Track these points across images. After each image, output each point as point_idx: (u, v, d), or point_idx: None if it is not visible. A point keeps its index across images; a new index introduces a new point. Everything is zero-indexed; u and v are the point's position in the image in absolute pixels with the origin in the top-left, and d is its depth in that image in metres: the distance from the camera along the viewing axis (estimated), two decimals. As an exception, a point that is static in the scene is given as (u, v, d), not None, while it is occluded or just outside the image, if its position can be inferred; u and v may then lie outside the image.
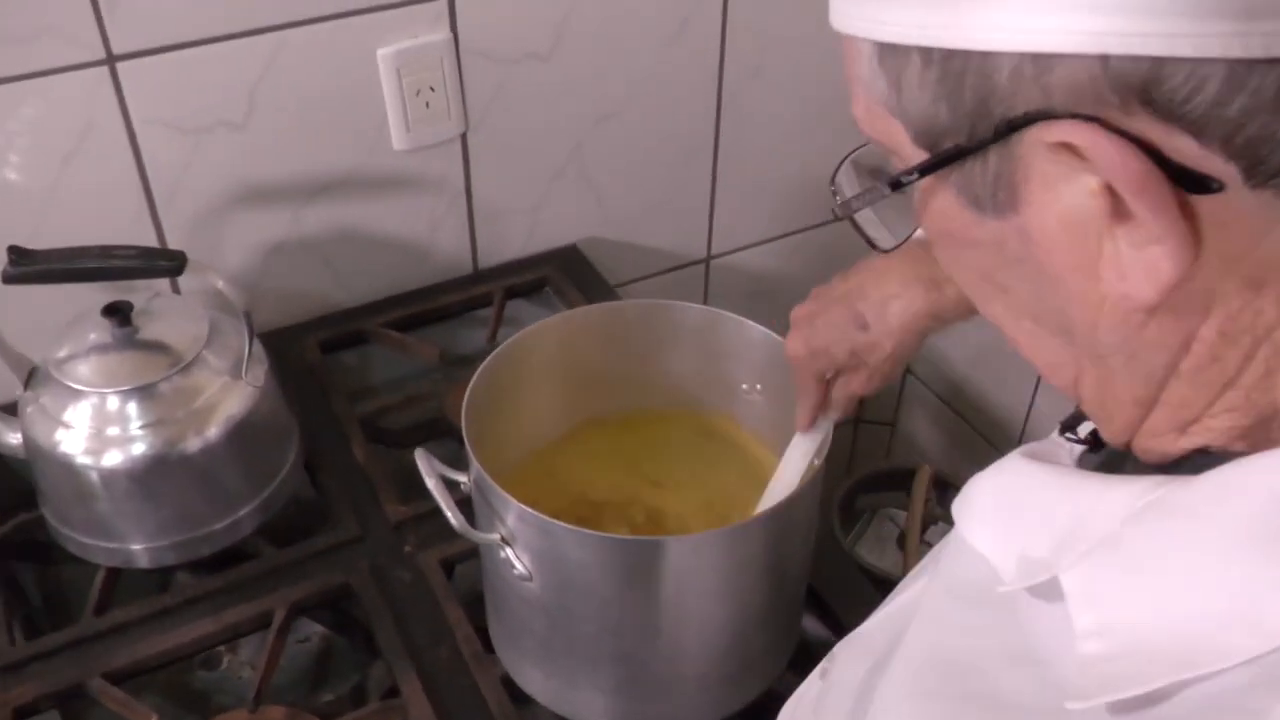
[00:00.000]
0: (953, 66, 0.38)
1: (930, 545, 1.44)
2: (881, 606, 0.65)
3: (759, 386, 0.96)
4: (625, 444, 0.99)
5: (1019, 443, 1.65)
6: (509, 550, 0.81)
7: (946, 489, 1.49)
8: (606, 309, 0.96)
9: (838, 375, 0.80)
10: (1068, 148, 0.37)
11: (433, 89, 1.20)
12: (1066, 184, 0.38)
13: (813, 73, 1.42)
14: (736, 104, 1.39)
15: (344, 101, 1.17)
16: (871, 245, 0.51)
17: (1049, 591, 0.44)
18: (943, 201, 0.42)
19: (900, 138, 0.42)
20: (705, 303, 1.54)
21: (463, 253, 1.33)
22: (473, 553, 1.01)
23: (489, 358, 0.89)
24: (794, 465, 0.83)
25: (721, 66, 1.35)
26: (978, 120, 0.38)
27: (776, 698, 0.89)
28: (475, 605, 0.98)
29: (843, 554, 1.39)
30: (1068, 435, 0.54)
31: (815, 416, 0.82)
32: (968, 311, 0.73)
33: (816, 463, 0.83)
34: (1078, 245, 0.38)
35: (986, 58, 0.37)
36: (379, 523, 1.06)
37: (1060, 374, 0.45)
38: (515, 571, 0.81)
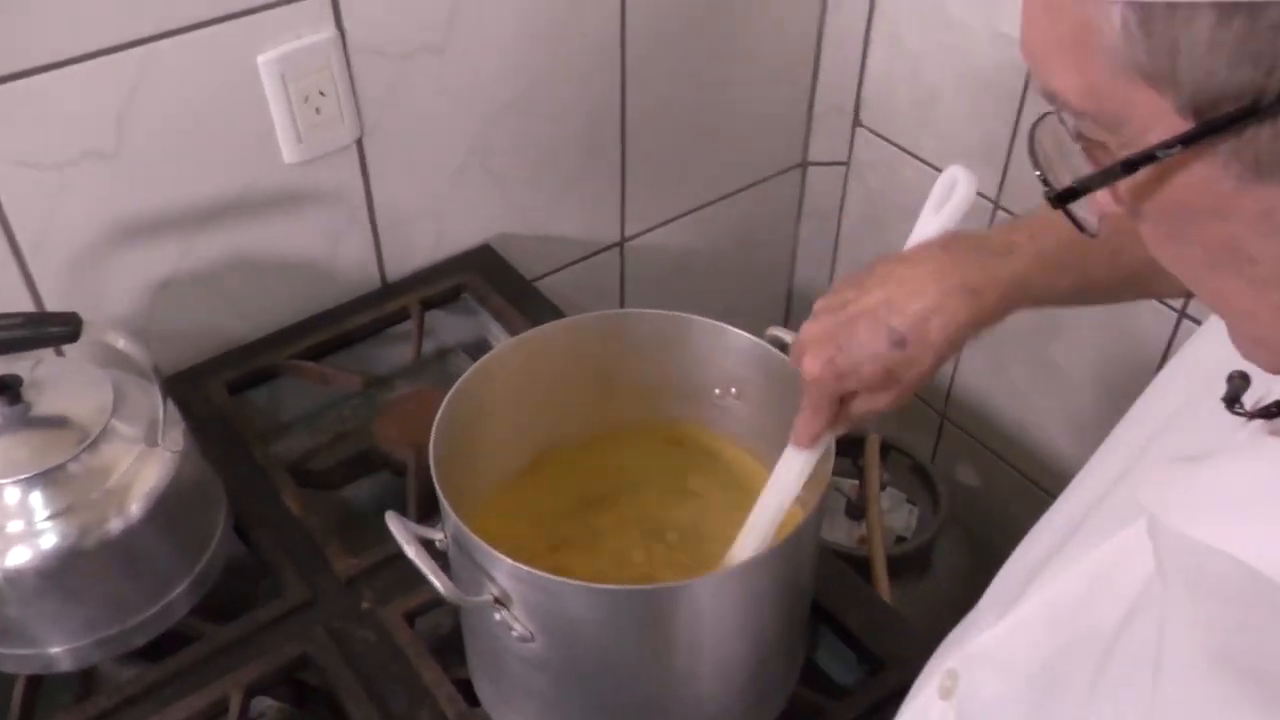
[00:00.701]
0: (1267, 19, 0.36)
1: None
2: (992, 616, 0.64)
3: (734, 390, 0.91)
4: (595, 466, 0.94)
5: (948, 399, 1.63)
6: (505, 612, 0.74)
7: (888, 453, 1.47)
8: (564, 326, 0.90)
9: (857, 393, 0.74)
10: None
11: (322, 93, 1.09)
12: None
13: (717, 40, 1.36)
14: (641, 78, 1.32)
15: (225, 116, 1.06)
16: (1081, 229, 0.47)
17: None
18: (1198, 173, 0.40)
19: (1145, 109, 0.40)
20: (622, 286, 1.49)
21: (369, 267, 1.23)
22: (437, 602, 0.92)
23: (447, 397, 0.82)
24: (789, 483, 0.77)
25: (623, 41, 1.28)
26: None
27: (793, 714, 0.85)
28: (448, 654, 0.91)
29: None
30: (1237, 410, 0.51)
31: (821, 435, 0.75)
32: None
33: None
34: None
35: None
36: (329, 580, 0.97)
37: None
38: (514, 633, 0.74)
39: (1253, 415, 0.51)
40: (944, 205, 0.74)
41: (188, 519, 0.92)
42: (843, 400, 0.73)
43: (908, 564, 1.36)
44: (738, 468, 0.92)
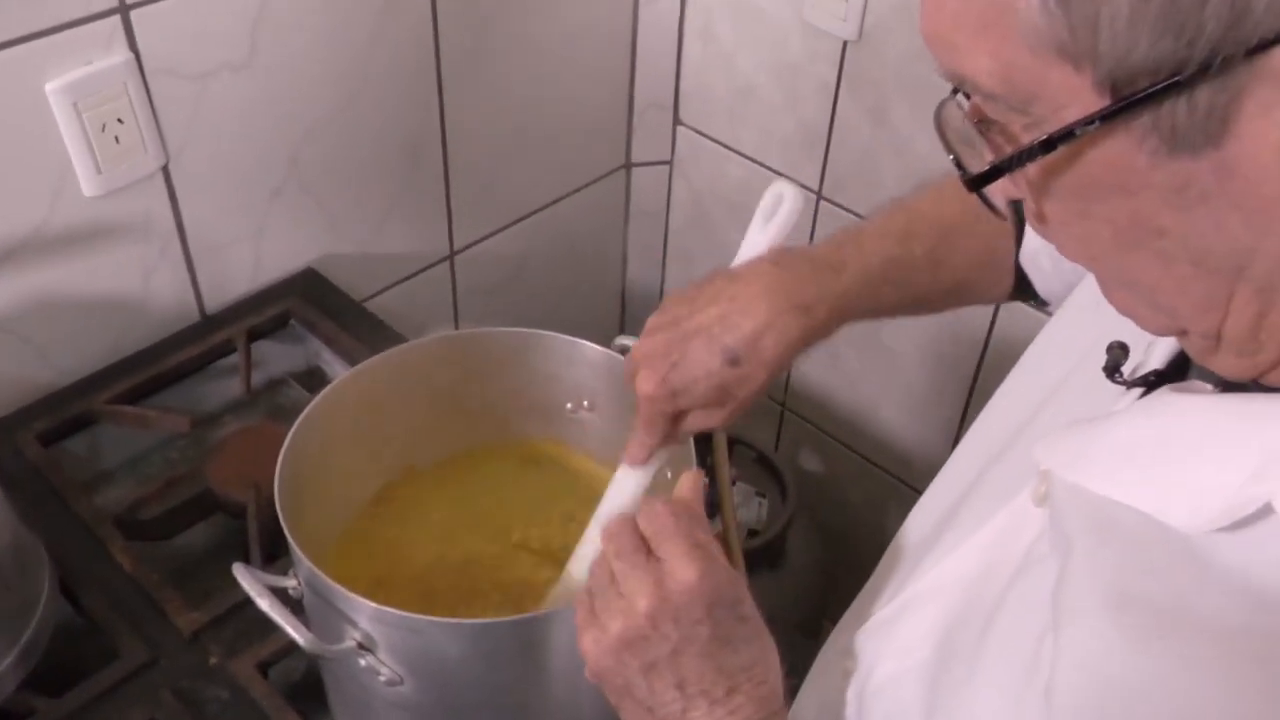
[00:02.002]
0: None
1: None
2: (887, 593, 0.65)
3: (586, 404, 0.90)
4: (451, 492, 0.91)
5: (787, 389, 1.66)
6: (370, 657, 0.71)
7: (733, 446, 1.47)
8: (407, 350, 0.87)
9: (690, 410, 0.73)
10: None
11: (120, 120, 1.02)
12: None
13: (533, 44, 1.34)
14: (459, 86, 1.29)
15: (15, 150, 0.98)
16: (994, 211, 0.47)
17: (1246, 522, 0.43)
18: (1112, 149, 0.40)
19: (1059, 87, 0.40)
20: (455, 300, 1.46)
21: (185, 299, 1.17)
22: (291, 647, 0.88)
23: (290, 434, 0.78)
24: (623, 502, 0.76)
25: (437, 49, 1.24)
26: (1215, 48, 0.37)
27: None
28: (307, 701, 0.88)
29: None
30: (1118, 378, 0.53)
31: (652, 454, 0.74)
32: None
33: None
34: None
35: None
36: (170, 637, 0.91)
37: (1207, 314, 0.44)
38: (381, 678, 0.71)
39: (1132, 384, 0.53)
40: (770, 220, 0.75)
41: (8, 587, 0.85)
42: (676, 417, 0.73)
43: (763, 556, 1.37)
44: (599, 482, 0.90)
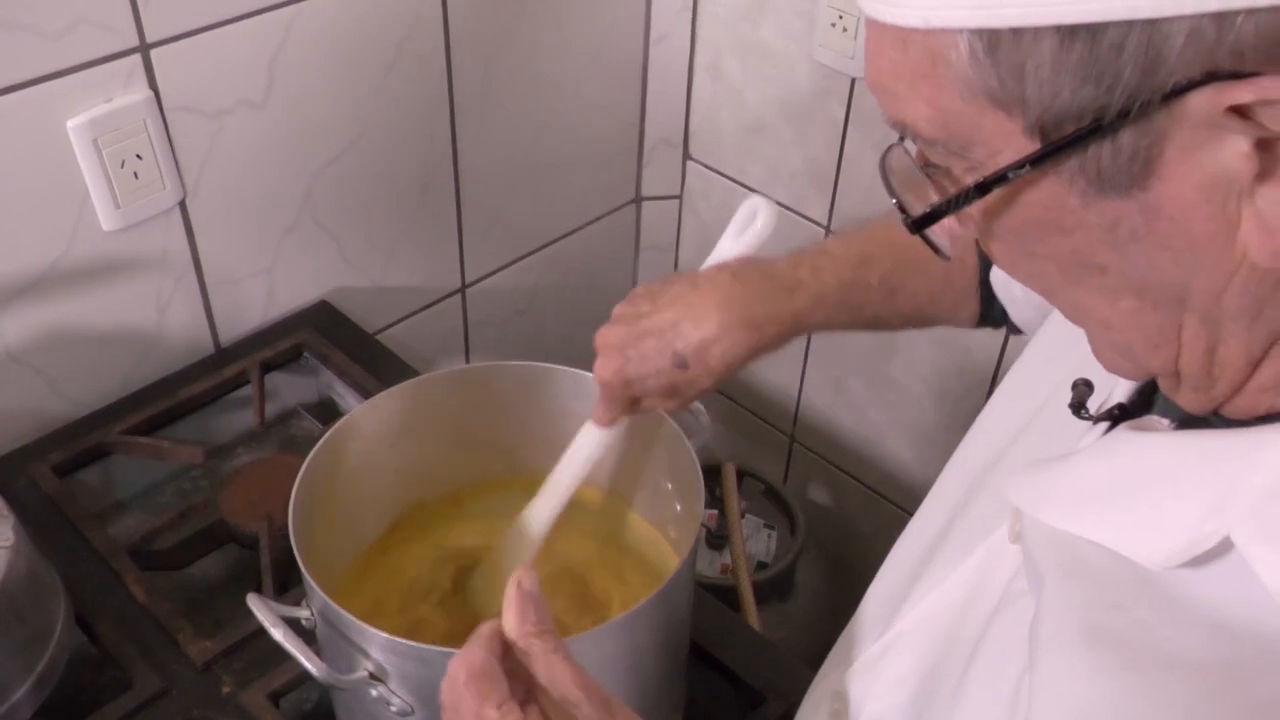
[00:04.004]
0: (1107, 40, 0.37)
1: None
2: (873, 632, 0.66)
3: None
4: (460, 525, 0.93)
5: (796, 422, 1.67)
6: (382, 687, 0.72)
7: (742, 479, 1.48)
8: (421, 384, 0.88)
9: (644, 396, 0.78)
10: (1234, 110, 0.37)
11: (139, 156, 1.04)
12: (1211, 150, 0.38)
13: (545, 78, 1.36)
14: (471, 121, 1.31)
15: (36, 186, 1.00)
16: (937, 252, 0.48)
17: (1208, 557, 0.43)
18: (1046, 190, 0.41)
19: (994, 132, 0.41)
20: (466, 333, 1.47)
21: (200, 332, 1.19)
22: (304, 677, 0.89)
23: (304, 465, 0.80)
24: (588, 452, 0.82)
25: (450, 85, 1.26)
26: (1131, 94, 0.38)
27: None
28: None
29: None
30: (1084, 414, 0.54)
31: (614, 419, 0.80)
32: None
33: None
34: (1217, 212, 0.39)
35: (1154, 25, 0.36)
36: (184, 667, 0.92)
37: (1160, 349, 0.45)
38: (393, 708, 0.72)
39: (1097, 419, 0.54)
40: (743, 234, 0.77)
41: (24, 617, 0.86)
42: (632, 399, 0.78)
43: (772, 589, 1.38)
44: (610, 516, 0.92)
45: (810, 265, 0.76)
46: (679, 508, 0.86)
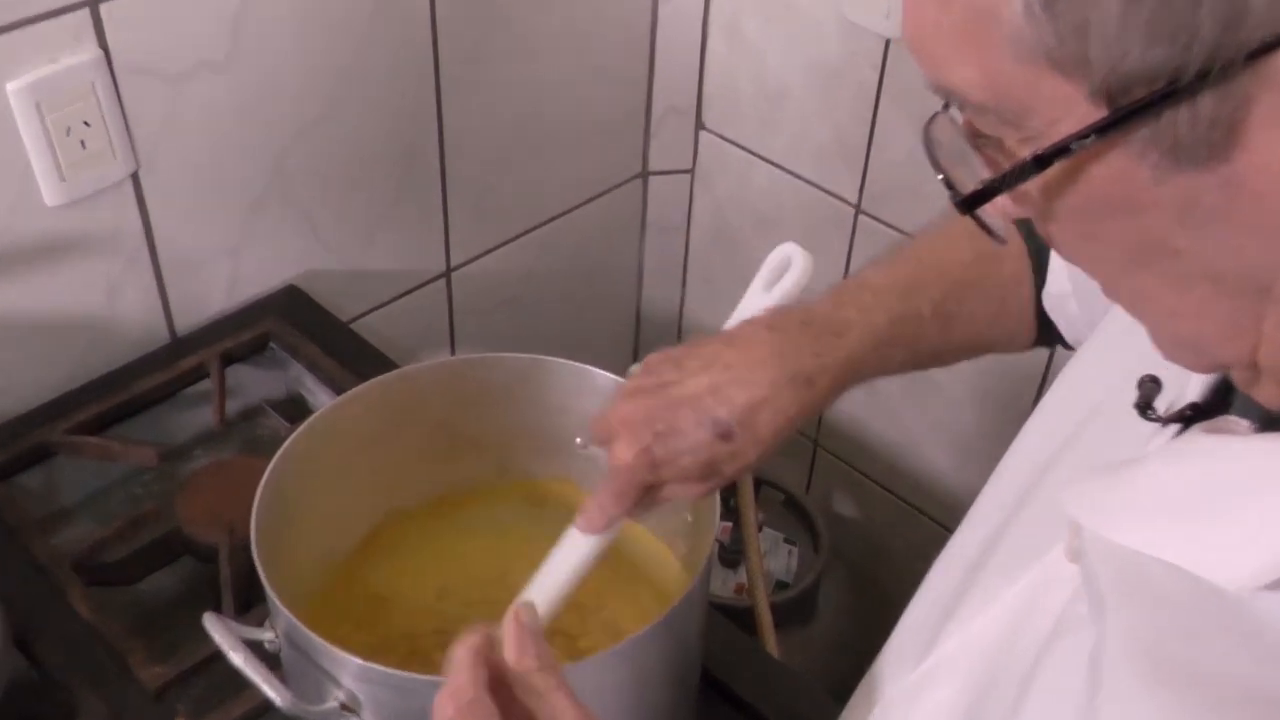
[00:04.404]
0: None
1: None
2: (908, 662, 0.65)
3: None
4: (444, 536, 0.93)
5: (820, 425, 1.66)
6: (355, 718, 0.73)
7: (759, 488, 1.48)
8: (400, 378, 0.88)
9: (668, 482, 0.74)
10: None
11: (87, 124, 1.04)
12: None
13: (541, 39, 1.35)
14: (459, 88, 1.30)
15: (-30, 156, 1.00)
16: (991, 235, 0.47)
17: None
18: (1113, 164, 0.41)
19: (1053, 98, 0.40)
20: (451, 322, 1.47)
21: (154, 319, 1.19)
22: (267, 707, 0.89)
23: (269, 469, 0.80)
24: (572, 572, 0.72)
25: (435, 48, 1.26)
26: (1211, 53, 0.37)
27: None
28: None
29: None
30: (1151, 415, 0.53)
31: (614, 522, 0.72)
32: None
33: None
34: None
35: None
36: (133, 694, 0.92)
37: (1235, 341, 0.44)
38: (367, 742, 0.71)
39: (1168, 420, 0.53)
40: (776, 283, 0.76)
41: (-45, 639, 0.86)
42: (650, 487, 0.72)
43: (792, 611, 1.38)
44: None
45: (854, 303, 0.74)
46: (690, 519, 0.86)
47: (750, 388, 0.70)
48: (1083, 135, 0.40)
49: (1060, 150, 0.41)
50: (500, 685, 0.55)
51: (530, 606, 0.54)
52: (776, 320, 0.73)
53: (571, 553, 0.72)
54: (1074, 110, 0.40)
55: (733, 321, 0.76)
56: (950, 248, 0.77)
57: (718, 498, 0.78)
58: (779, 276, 0.76)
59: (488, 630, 0.57)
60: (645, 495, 0.73)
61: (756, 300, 0.77)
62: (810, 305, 0.75)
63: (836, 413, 1.57)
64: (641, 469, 0.71)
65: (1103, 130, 0.40)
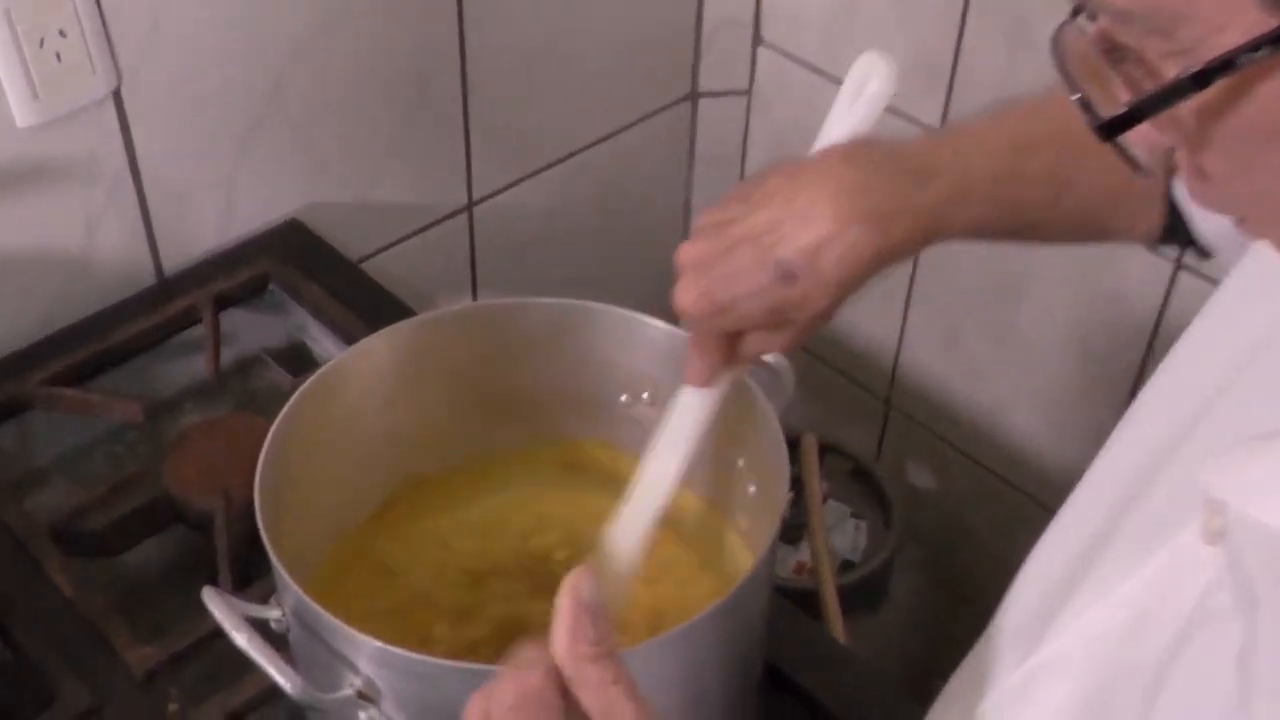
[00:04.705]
0: None
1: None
2: (1013, 654, 0.66)
3: (645, 396, 0.91)
4: (469, 504, 0.94)
5: (893, 383, 1.66)
6: (372, 710, 0.73)
7: (824, 454, 1.48)
8: (422, 325, 0.89)
9: (744, 330, 0.76)
10: None
11: (63, 33, 1.05)
12: None
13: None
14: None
15: (-68, 69, 1.01)
16: (1135, 167, 0.47)
17: None
18: None
19: (1210, 4, 0.39)
20: (473, 263, 1.47)
21: (139, 257, 1.20)
22: (268, 694, 0.90)
23: (274, 427, 0.81)
24: (688, 429, 0.78)
25: (458, -54, 1.26)
26: None
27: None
28: None
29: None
30: None
31: (715, 373, 0.77)
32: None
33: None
34: None
35: None
36: (119, 679, 0.93)
37: None
38: (385, 735, 0.72)
39: None
40: (857, 99, 0.76)
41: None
42: (731, 337, 0.75)
43: (860, 594, 1.38)
44: None
45: (951, 147, 0.74)
46: (753, 490, 0.86)
47: (814, 224, 0.70)
48: (1252, 47, 0.39)
49: (1224, 65, 0.40)
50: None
51: (590, 578, 0.54)
52: (854, 152, 0.73)
53: (687, 409, 0.78)
54: (1241, 18, 0.40)
55: (816, 148, 0.76)
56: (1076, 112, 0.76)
57: (787, 467, 0.78)
58: (861, 92, 0.75)
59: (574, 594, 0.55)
60: (729, 346, 0.76)
61: (839, 121, 0.76)
62: (900, 143, 0.74)
63: (913, 369, 1.57)
64: (703, 315, 0.73)
65: (1276, 41, 0.39)
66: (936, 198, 0.71)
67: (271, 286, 1.22)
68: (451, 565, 0.90)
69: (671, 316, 0.86)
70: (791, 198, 0.71)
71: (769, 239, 0.71)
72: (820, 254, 0.70)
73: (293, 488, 0.81)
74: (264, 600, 0.79)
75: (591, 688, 0.52)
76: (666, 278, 1.67)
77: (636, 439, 0.90)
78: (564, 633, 0.52)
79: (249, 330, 1.22)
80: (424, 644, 0.84)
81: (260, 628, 0.74)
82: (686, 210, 1.68)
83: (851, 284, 0.72)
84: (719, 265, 0.72)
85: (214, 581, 0.97)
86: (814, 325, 0.74)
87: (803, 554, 1.42)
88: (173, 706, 0.92)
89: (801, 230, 0.70)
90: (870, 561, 1.41)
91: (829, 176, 0.71)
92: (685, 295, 0.73)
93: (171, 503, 1.05)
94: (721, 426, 0.88)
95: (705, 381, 0.77)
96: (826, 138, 0.76)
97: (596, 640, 0.52)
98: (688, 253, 0.74)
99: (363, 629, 0.70)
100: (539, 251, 1.52)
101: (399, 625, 0.84)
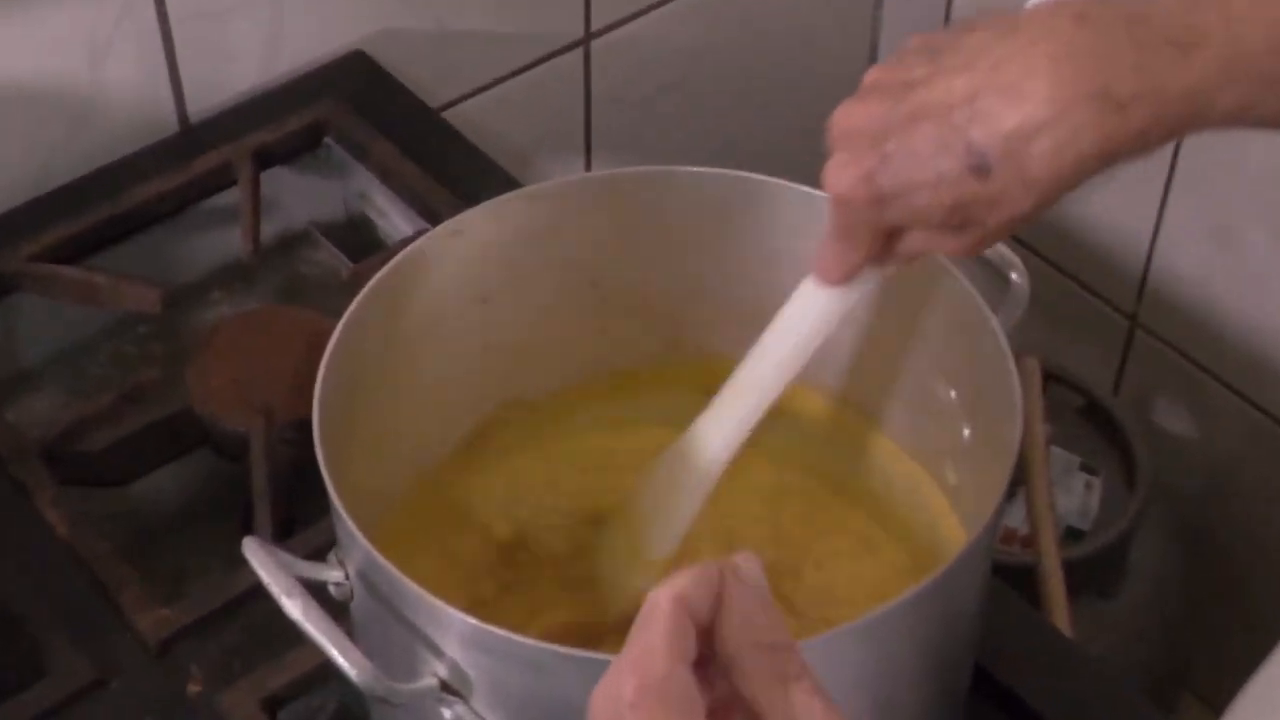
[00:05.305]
0: None
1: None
2: None
3: None
4: (585, 440, 0.95)
5: (1142, 294, 1.65)
6: (460, 706, 0.73)
7: (1047, 384, 1.46)
8: (520, 202, 0.89)
9: (908, 227, 0.77)
10: None
11: None
12: None
13: None
14: None
15: None
16: None
17: None
18: None
19: None
20: (588, 112, 1.48)
21: (157, 98, 1.21)
22: (317, 676, 0.92)
23: (339, 329, 0.81)
24: (798, 337, 0.82)
25: None
26: None
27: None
28: None
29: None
30: None
31: (855, 271, 0.79)
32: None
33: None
34: None
35: None
36: (127, 647, 0.95)
37: None
38: (477, 738, 0.74)
39: None
40: None
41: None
42: (888, 231, 0.76)
43: (1091, 573, 1.38)
44: (840, 441, 0.93)
45: (1219, 10, 0.71)
46: (968, 434, 0.86)
47: (1025, 101, 0.69)
48: None
49: None
50: (707, 660, 0.54)
51: (752, 557, 0.54)
52: (1090, 8, 0.71)
53: (806, 312, 0.81)
54: None
55: (1032, 2, 0.74)
56: None
57: (1018, 400, 0.78)
58: None
59: (705, 570, 0.55)
60: (882, 240, 0.76)
61: None
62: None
63: (1169, 277, 1.55)
64: (861, 203, 0.73)
65: None
66: (1196, 76, 0.70)
67: (327, 140, 1.23)
68: (568, 511, 0.91)
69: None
70: (999, 62, 0.70)
71: (962, 114, 0.70)
72: (1029, 142, 0.69)
73: (361, 409, 0.82)
74: (317, 556, 0.80)
75: (765, 682, 0.52)
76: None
77: (814, 363, 0.90)
78: (736, 615, 0.53)
79: (297, 197, 1.23)
80: (523, 619, 0.85)
81: (317, 592, 0.74)
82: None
83: (1065, 184, 0.71)
84: (891, 140, 0.72)
85: (248, 525, 0.99)
86: (1006, 230, 0.73)
87: (1014, 517, 1.41)
88: (194, 688, 0.93)
89: (1007, 107, 0.69)
90: (1105, 530, 1.40)
91: (1053, 38, 0.70)
92: (842, 174, 0.73)
93: (194, 420, 1.06)
94: (922, 344, 0.89)
95: (841, 279, 0.78)
96: None
97: (771, 626, 0.53)
98: (850, 117, 0.74)
99: (452, 600, 0.70)
100: (677, 102, 1.52)
101: (499, 592, 0.86)
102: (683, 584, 0.54)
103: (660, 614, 0.53)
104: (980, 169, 0.70)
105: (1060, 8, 0.72)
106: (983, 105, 0.70)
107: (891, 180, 0.72)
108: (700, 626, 0.54)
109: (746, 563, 0.54)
